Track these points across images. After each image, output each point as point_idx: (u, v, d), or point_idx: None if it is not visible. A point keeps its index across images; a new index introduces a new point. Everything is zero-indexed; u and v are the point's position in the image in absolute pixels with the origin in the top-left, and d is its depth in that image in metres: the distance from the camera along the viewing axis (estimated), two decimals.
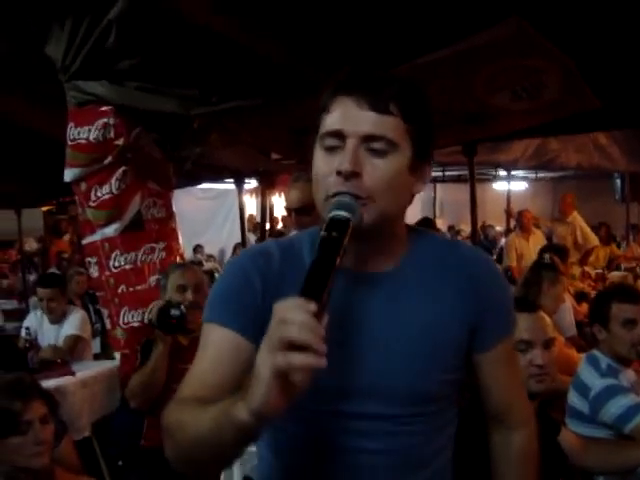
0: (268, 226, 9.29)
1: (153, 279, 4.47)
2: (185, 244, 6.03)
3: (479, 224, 9.05)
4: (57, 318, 5.06)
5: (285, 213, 3.64)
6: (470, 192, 5.62)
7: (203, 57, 3.96)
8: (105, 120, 4.28)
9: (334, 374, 1.25)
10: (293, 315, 1.02)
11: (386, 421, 1.33)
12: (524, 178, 13.81)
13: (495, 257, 9.26)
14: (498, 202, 12.55)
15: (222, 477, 2.97)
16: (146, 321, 3.38)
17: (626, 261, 8.67)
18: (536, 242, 8.01)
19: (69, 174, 4.42)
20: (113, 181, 4.37)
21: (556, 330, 3.13)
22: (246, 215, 9.32)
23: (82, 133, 4.31)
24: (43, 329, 5.12)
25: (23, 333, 5.02)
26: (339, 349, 1.19)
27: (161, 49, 3.94)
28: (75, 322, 5.06)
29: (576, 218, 8.79)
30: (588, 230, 8.83)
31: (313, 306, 1.03)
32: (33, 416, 2.36)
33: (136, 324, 4.32)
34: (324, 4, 3.39)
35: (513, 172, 11.14)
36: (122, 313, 4.48)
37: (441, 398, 1.38)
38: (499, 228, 13.17)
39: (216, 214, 13.87)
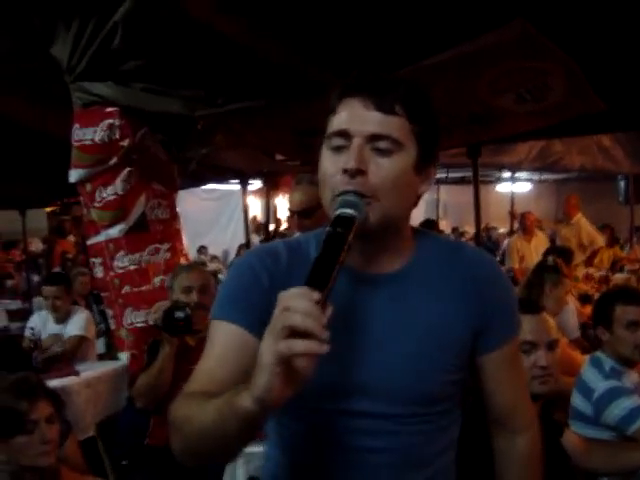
0: (272, 227, 9.31)
1: (157, 280, 4.48)
2: (189, 245, 6.04)
3: (482, 226, 9.05)
4: (61, 317, 5.08)
5: (289, 214, 3.65)
6: (474, 194, 5.62)
7: (208, 58, 3.96)
8: (110, 121, 4.28)
9: (336, 372, 1.27)
10: (296, 303, 1.04)
11: (388, 420, 1.34)
12: (528, 180, 13.79)
13: (499, 259, 9.26)
14: (502, 204, 12.55)
15: (227, 477, 2.97)
16: (151, 322, 3.39)
17: (630, 263, 8.64)
18: (538, 244, 8.02)
19: (74, 175, 4.43)
20: (118, 182, 4.37)
21: (560, 332, 3.13)
22: (250, 216, 9.33)
23: (87, 134, 4.31)
24: (47, 329, 5.13)
25: (28, 333, 5.04)
26: (341, 347, 1.21)
27: (167, 50, 3.94)
28: (79, 322, 5.08)
29: (580, 220, 8.79)
30: (594, 231, 8.83)
31: (317, 295, 1.05)
32: (39, 416, 2.37)
33: (140, 324, 4.34)
34: (329, 6, 3.40)
35: (517, 174, 11.14)
36: (126, 313, 4.49)
37: (444, 399, 1.39)
38: (502, 230, 13.17)
39: (220, 215, 13.88)
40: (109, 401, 4.48)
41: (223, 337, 1.33)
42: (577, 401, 2.90)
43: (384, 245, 1.35)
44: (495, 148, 7.65)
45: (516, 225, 9.58)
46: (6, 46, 4.22)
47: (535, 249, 7.83)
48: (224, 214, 13.77)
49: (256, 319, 1.26)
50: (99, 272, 4.61)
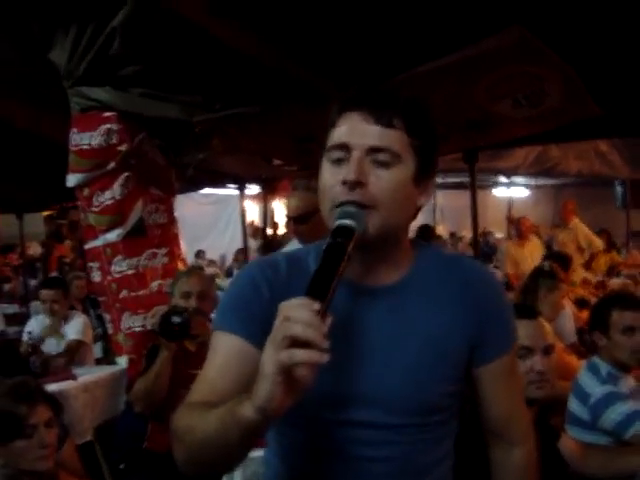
0: (270, 231, 9.31)
1: (155, 284, 4.49)
2: (187, 249, 6.04)
3: (480, 230, 9.07)
4: (59, 321, 5.07)
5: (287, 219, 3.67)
6: (471, 199, 5.62)
7: (206, 64, 3.97)
8: (108, 126, 4.29)
9: (335, 382, 1.28)
10: (297, 313, 1.06)
11: (387, 430, 1.35)
12: (525, 185, 13.80)
13: (495, 264, 9.27)
14: (499, 209, 12.56)
15: None
16: (149, 327, 3.39)
17: (627, 268, 8.66)
18: (532, 249, 8.02)
19: (72, 179, 4.43)
20: (116, 187, 4.38)
21: (556, 337, 3.14)
22: (247, 221, 9.34)
23: (85, 139, 4.32)
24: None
25: (25, 337, 5.03)
26: (341, 358, 1.22)
27: (165, 56, 3.95)
28: (77, 327, 5.07)
29: (577, 224, 8.81)
30: (591, 234, 8.84)
31: (317, 305, 1.07)
32: (38, 420, 2.38)
33: (138, 329, 4.34)
34: (327, 13, 3.41)
35: (514, 179, 11.15)
36: (124, 318, 4.49)
37: (442, 409, 1.40)
38: (499, 235, 13.18)
39: (218, 219, 13.89)
40: (107, 405, 4.47)
41: (224, 347, 1.34)
42: (574, 406, 2.91)
43: (383, 256, 1.36)
44: (492, 153, 7.66)
45: (513, 230, 9.58)
46: (5, 51, 4.23)
47: (530, 254, 7.84)
48: (222, 219, 13.77)
49: (257, 329, 1.27)
50: (97, 276, 4.61)
